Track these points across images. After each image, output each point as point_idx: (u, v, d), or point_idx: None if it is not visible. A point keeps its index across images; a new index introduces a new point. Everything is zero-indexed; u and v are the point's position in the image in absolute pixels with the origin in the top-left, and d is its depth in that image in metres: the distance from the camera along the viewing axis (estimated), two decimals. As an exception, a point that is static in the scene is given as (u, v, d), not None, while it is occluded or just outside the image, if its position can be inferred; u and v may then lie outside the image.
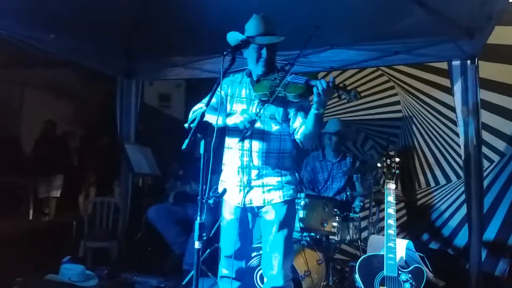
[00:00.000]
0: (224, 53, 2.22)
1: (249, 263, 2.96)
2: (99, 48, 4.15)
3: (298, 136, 2.43)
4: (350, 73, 4.94)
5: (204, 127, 2.06)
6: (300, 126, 2.42)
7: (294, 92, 2.33)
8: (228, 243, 2.58)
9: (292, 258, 2.61)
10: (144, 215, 4.65)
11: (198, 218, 2.01)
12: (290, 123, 2.48)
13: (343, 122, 4.22)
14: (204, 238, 2.01)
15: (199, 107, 2.51)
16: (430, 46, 3.48)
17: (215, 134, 2.10)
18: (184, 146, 1.97)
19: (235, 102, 2.56)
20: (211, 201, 2.01)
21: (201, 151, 2.03)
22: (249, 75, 2.57)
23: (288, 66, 2.50)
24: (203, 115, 2.08)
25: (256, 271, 3.18)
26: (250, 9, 3.03)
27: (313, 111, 2.25)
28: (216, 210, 3.80)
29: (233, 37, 2.44)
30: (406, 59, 3.88)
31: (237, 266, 2.56)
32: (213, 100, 2.54)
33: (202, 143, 2.04)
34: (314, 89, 2.19)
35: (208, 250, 3.81)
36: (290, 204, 2.51)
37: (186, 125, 2.27)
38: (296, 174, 2.66)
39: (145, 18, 3.71)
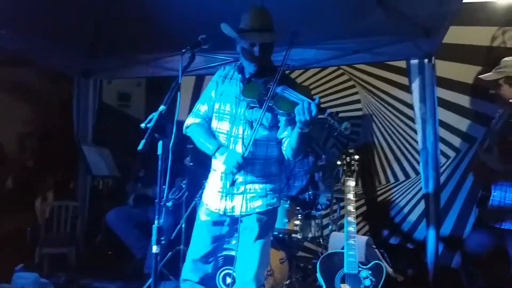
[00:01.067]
0: (183, 51, 2.14)
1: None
2: (55, 45, 3.98)
3: (284, 148, 2.34)
4: (312, 72, 4.97)
5: (161, 127, 1.99)
6: (286, 137, 2.32)
7: (282, 108, 2.18)
8: (198, 245, 2.46)
9: (267, 264, 2.54)
10: (103, 218, 4.51)
11: (156, 221, 1.95)
12: (279, 131, 2.36)
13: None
14: (163, 242, 1.96)
15: (192, 121, 2.43)
16: (389, 45, 3.54)
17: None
18: (140, 147, 1.89)
19: (223, 101, 2.41)
20: (169, 204, 1.96)
21: (159, 152, 1.97)
22: (241, 71, 2.41)
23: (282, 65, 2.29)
24: (161, 114, 2.01)
25: (219, 272, 3.15)
26: (211, 6, 3.00)
27: (296, 129, 2.14)
28: (177, 212, 3.77)
29: (225, 30, 2.29)
30: (366, 58, 3.94)
31: (203, 270, 2.47)
32: (205, 107, 2.46)
33: (160, 143, 1.98)
34: (297, 108, 2.04)
35: (170, 253, 3.74)
36: (272, 212, 2.43)
37: (142, 125, 2.19)
38: (281, 180, 2.58)
39: (104, 15, 3.58)
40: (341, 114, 2.01)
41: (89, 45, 4.14)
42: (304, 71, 4.87)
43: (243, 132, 2.32)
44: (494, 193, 2.81)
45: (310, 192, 3.86)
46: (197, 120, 2.46)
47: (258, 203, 2.38)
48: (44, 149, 6.44)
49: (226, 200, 2.39)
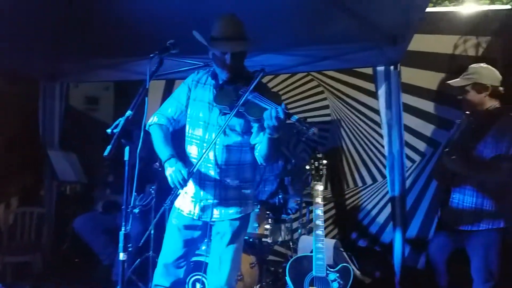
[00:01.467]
0: (151, 55, 2.11)
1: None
2: (20, 48, 3.86)
3: (256, 153, 2.34)
4: (282, 78, 5.02)
5: (128, 132, 1.97)
6: (259, 143, 2.31)
7: (253, 115, 2.18)
8: (169, 249, 2.44)
9: (239, 269, 2.55)
10: (71, 224, 4.40)
11: (123, 228, 1.92)
12: (251, 137, 2.35)
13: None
14: (130, 249, 1.94)
15: (155, 121, 2.42)
16: (356, 52, 3.60)
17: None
18: (106, 153, 1.86)
19: (197, 106, 2.40)
20: (136, 210, 1.94)
21: (126, 157, 1.94)
22: (214, 76, 2.40)
23: (259, 72, 2.30)
24: (127, 119, 1.98)
25: (189, 277, 3.12)
26: (180, 9, 2.98)
27: (266, 134, 2.15)
28: (146, 218, 3.72)
29: (197, 37, 2.27)
30: (335, 64, 4.00)
31: (174, 275, 2.45)
32: (171, 108, 2.44)
33: (127, 149, 1.96)
34: (265, 113, 2.05)
35: (138, 260, 3.69)
36: (245, 217, 2.44)
37: (108, 130, 2.15)
38: (254, 186, 2.57)
39: (70, 17, 3.50)
40: (310, 119, 2.06)
41: (55, 48, 4.04)
42: (274, 76, 4.91)
43: (216, 138, 2.32)
44: (453, 195, 2.90)
45: (279, 196, 3.89)
46: (160, 121, 2.45)
47: (232, 209, 2.38)
48: (8, 154, 6.23)
49: (200, 206, 2.38)
